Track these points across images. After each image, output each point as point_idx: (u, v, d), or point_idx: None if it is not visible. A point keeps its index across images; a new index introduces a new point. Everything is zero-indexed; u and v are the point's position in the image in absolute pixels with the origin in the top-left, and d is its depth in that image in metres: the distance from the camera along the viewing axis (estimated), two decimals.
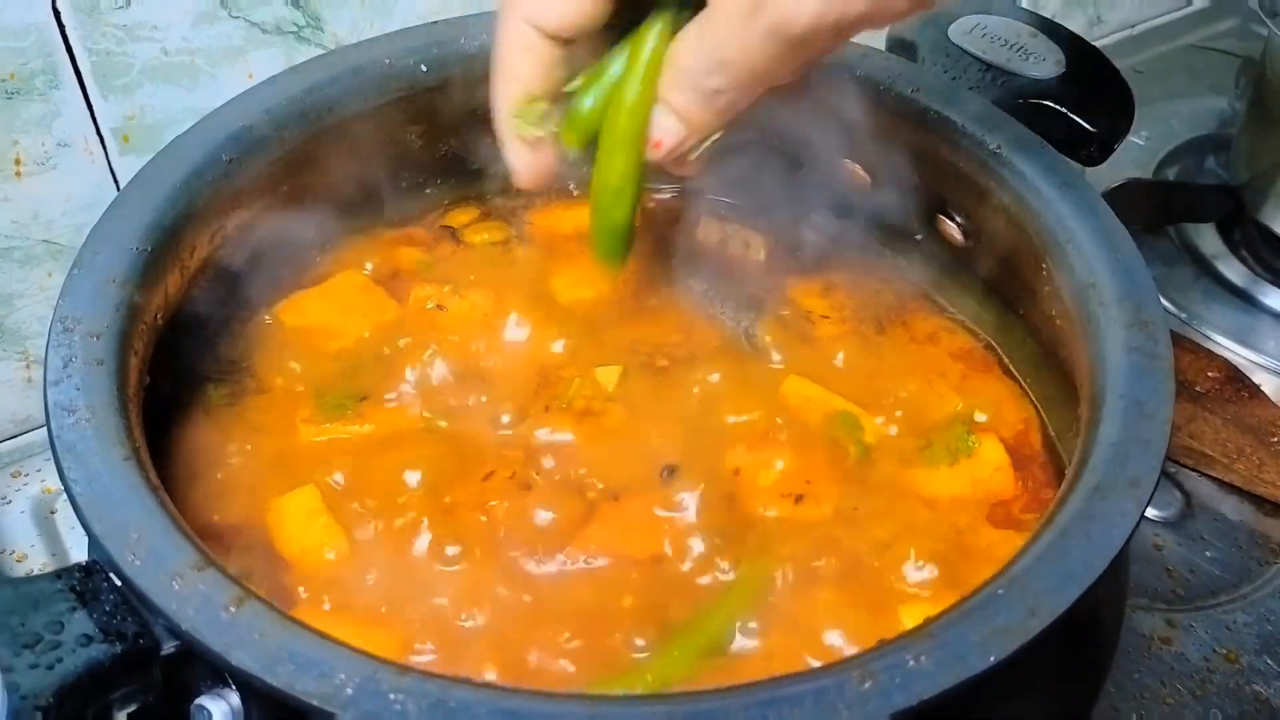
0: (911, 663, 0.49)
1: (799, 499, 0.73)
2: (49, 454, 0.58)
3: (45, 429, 0.58)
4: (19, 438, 0.99)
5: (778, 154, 0.93)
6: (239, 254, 0.79)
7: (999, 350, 0.86)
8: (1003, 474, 0.76)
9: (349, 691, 0.47)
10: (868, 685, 0.48)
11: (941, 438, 0.78)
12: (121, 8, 0.86)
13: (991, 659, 0.49)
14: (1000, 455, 0.77)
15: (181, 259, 0.72)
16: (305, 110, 0.80)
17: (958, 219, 0.85)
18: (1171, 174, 1.35)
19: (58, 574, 0.54)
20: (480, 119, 0.89)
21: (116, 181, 0.93)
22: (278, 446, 0.75)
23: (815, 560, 0.70)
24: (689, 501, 0.72)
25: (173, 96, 0.92)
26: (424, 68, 0.85)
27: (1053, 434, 0.80)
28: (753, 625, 0.65)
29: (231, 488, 0.72)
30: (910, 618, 0.67)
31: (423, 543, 0.68)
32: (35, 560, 0.93)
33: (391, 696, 0.47)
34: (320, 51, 0.97)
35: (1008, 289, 0.83)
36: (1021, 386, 0.83)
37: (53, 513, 0.96)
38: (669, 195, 0.98)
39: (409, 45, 0.85)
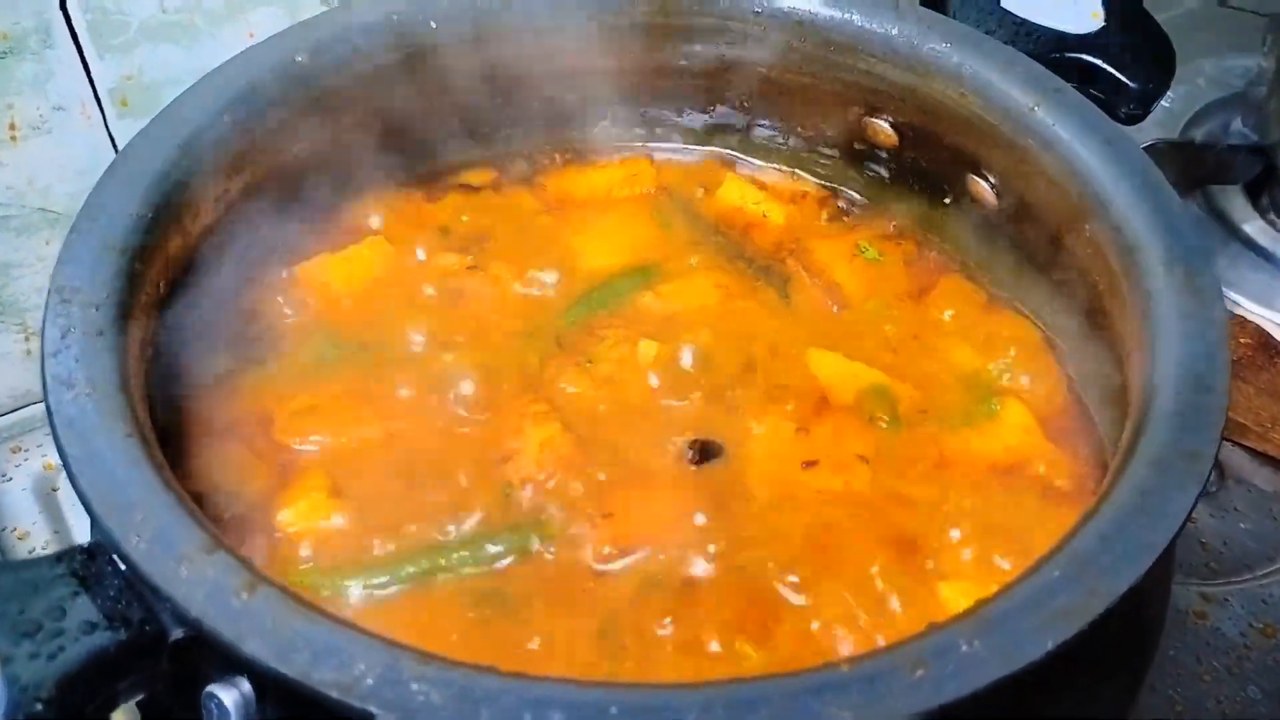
0: (965, 648, 0.46)
1: (835, 473, 0.71)
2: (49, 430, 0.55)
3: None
4: (18, 412, 0.96)
5: (801, 112, 0.90)
6: (245, 219, 0.75)
7: (1027, 312, 0.83)
8: (1032, 436, 0.74)
9: (369, 682, 0.44)
10: (919, 674, 0.45)
11: (967, 403, 0.76)
12: None
13: (1050, 645, 0.46)
14: (1025, 417, 0.75)
15: (183, 224, 0.69)
16: (311, 69, 0.77)
17: (990, 179, 0.81)
18: (1198, 136, 1.31)
19: (58, 557, 0.51)
20: (494, 76, 0.87)
21: (115, 145, 0.90)
22: (284, 420, 0.72)
23: (852, 534, 0.68)
24: (716, 479, 0.70)
25: (172, 56, 0.88)
26: (433, 23, 0.81)
27: (1084, 398, 0.77)
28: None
29: (236, 462, 0.69)
30: (951, 593, 0.65)
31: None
32: (37, 538, 0.90)
33: (415, 686, 0.44)
34: (323, 8, 0.93)
35: (1043, 251, 0.80)
36: (1051, 349, 0.80)
37: (54, 490, 0.93)
38: (689, 157, 0.94)
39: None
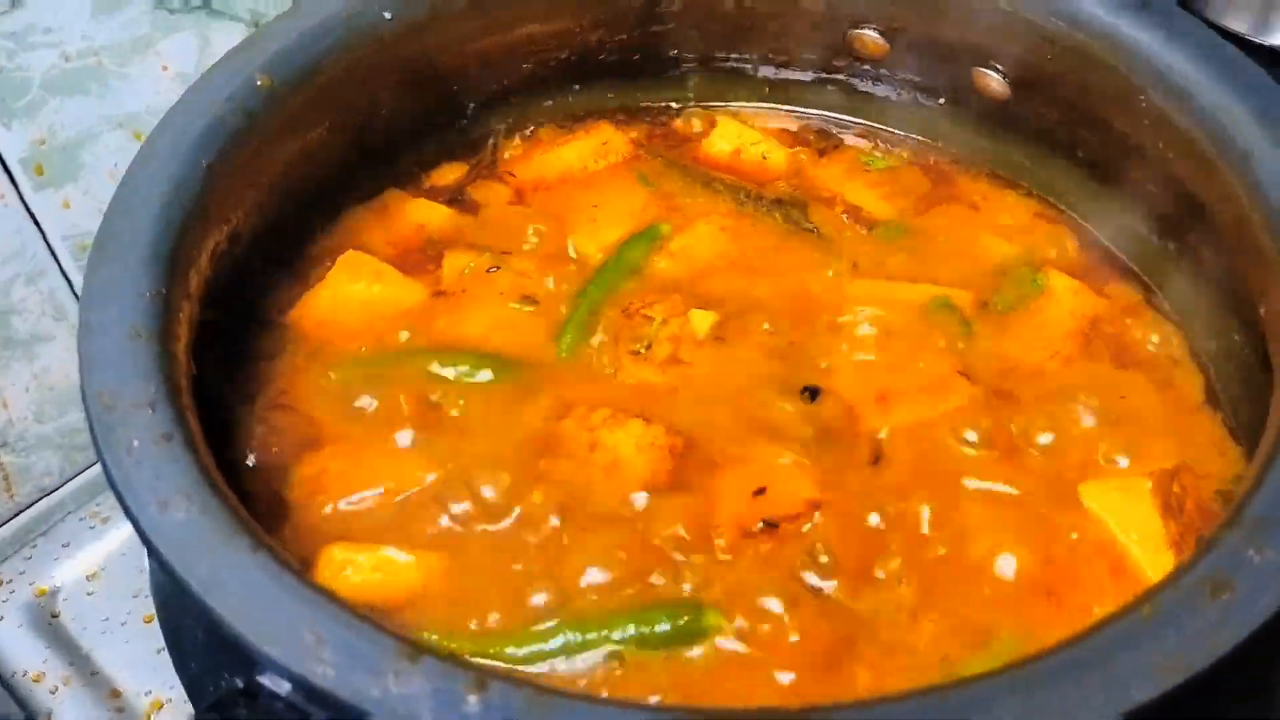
0: (1256, 558, 0.43)
1: (941, 397, 0.67)
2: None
3: (133, 531, 0.46)
4: None
5: (775, 38, 0.85)
6: (237, 265, 0.67)
7: (1045, 193, 0.81)
8: (1082, 295, 0.73)
9: None
10: (1226, 597, 0.42)
11: (1016, 285, 0.74)
12: (6, 11, 0.71)
13: None
14: (1069, 280, 0.74)
15: (190, 289, 0.60)
16: (273, 89, 0.67)
17: (1000, 69, 0.78)
18: None
19: (213, 708, 0.43)
20: (456, 61, 0.79)
21: (37, 221, 0.79)
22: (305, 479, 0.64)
23: (977, 458, 0.65)
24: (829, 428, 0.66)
25: (83, 108, 0.77)
26: (387, 15, 0.73)
27: (1123, 256, 0.77)
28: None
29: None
30: (1092, 496, 0.62)
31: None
32: (53, 676, 0.79)
33: None
34: (236, 23, 0.83)
35: (1065, 132, 0.77)
36: (1077, 219, 0.79)
37: (54, 616, 0.82)
38: (662, 112, 0.88)
39: None
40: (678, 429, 0.65)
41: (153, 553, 0.45)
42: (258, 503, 0.61)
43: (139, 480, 0.47)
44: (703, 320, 0.71)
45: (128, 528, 0.81)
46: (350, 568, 0.57)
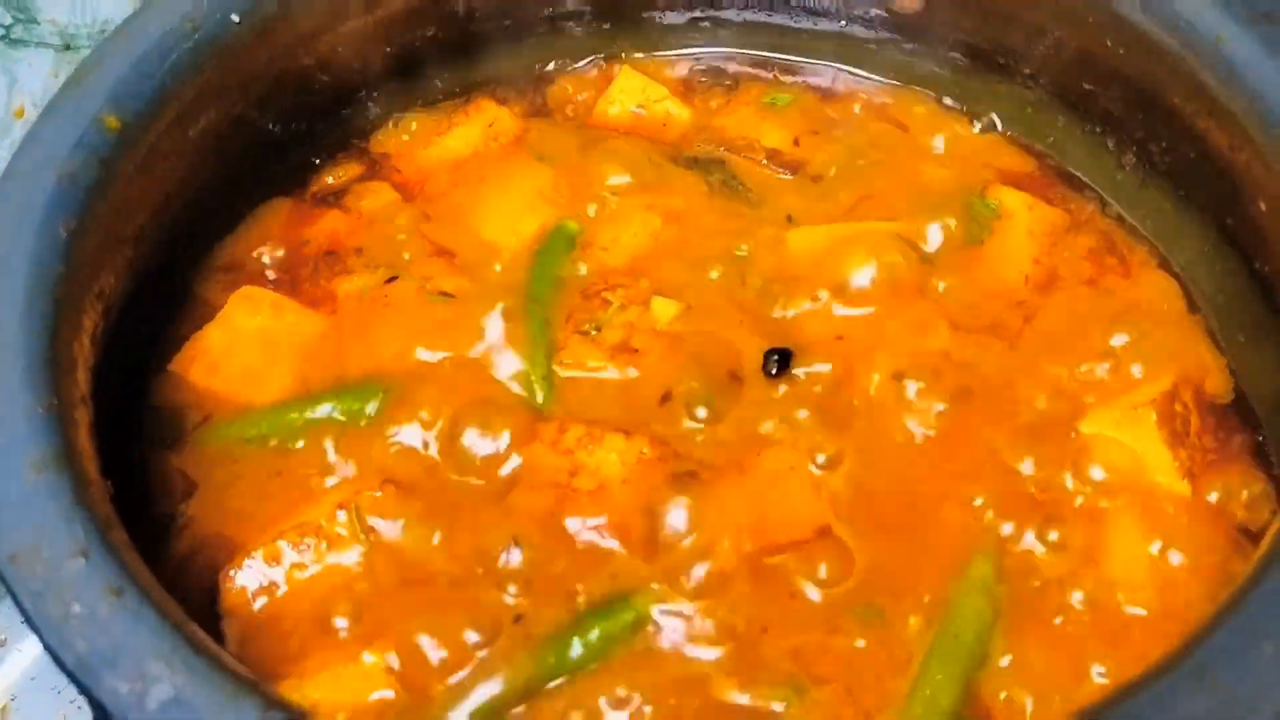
0: None
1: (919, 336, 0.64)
2: None
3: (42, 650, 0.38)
4: None
5: None
6: (117, 335, 0.57)
7: (972, 106, 0.77)
8: (1036, 209, 0.70)
9: None
10: None
11: (966, 216, 0.69)
12: None
13: None
14: (1022, 196, 0.70)
15: (81, 389, 0.50)
16: (124, 129, 0.57)
17: None
18: None
19: None
20: (314, 56, 0.70)
21: None
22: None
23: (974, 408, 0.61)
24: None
25: None
26: (235, 17, 0.63)
27: (1067, 165, 0.74)
28: None
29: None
30: (1092, 423, 0.60)
31: None
32: None
33: None
34: (44, 50, 0.71)
35: (984, 36, 0.73)
36: (1016, 134, 0.75)
37: None
38: (557, 70, 0.80)
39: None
40: (662, 439, 0.59)
41: None
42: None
43: (97, 654, 0.38)
44: (665, 309, 0.65)
45: (34, 646, 0.71)
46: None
